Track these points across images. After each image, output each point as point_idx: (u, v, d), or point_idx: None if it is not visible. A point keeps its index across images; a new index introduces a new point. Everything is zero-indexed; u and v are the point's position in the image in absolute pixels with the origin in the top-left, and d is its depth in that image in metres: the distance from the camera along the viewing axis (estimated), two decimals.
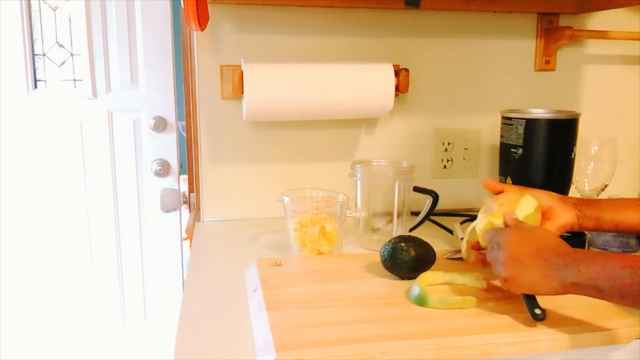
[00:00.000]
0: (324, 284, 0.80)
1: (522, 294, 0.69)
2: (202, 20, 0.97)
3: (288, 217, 0.95)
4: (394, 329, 0.66)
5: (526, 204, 0.79)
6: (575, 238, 0.95)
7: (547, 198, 0.83)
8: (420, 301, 0.72)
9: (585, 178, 1.07)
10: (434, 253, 0.84)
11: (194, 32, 1.11)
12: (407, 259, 0.81)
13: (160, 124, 1.74)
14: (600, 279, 0.60)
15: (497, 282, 0.80)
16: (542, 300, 0.68)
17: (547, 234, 0.71)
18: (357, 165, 1.01)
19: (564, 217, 0.81)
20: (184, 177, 1.71)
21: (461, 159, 1.27)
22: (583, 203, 0.83)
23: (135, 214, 1.79)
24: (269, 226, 1.13)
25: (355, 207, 1.01)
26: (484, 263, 0.79)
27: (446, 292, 0.77)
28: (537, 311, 0.67)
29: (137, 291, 1.85)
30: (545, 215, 0.82)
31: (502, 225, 0.77)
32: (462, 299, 0.72)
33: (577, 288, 0.63)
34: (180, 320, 0.72)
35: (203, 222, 1.18)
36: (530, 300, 0.68)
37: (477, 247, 0.83)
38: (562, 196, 0.85)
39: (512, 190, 0.84)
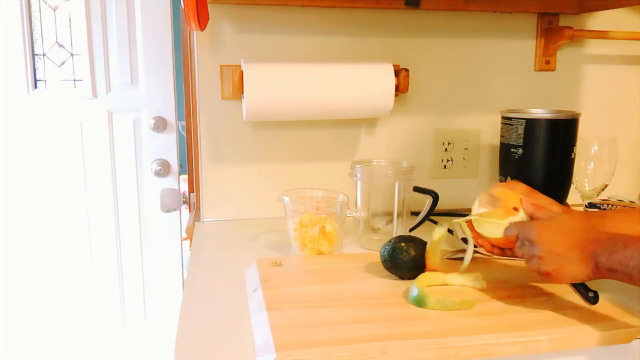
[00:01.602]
0: (324, 284, 0.80)
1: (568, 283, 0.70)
2: (202, 20, 0.97)
3: (288, 217, 0.94)
4: (394, 329, 0.66)
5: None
6: None
7: (552, 207, 0.79)
8: (419, 302, 0.72)
9: (585, 178, 1.07)
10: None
11: (194, 32, 1.11)
12: (407, 259, 0.81)
13: (160, 124, 1.74)
14: (631, 265, 0.61)
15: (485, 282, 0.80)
16: (534, 303, 0.68)
17: (573, 221, 0.72)
18: (357, 165, 1.01)
19: None
20: (184, 177, 1.71)
21: (461, 159, 1.27)
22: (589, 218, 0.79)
23: (135, 214, 1.79)
24: (269, 226, 1.13)
25: (355, 207, 1.01)
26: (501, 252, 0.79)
27: (445, 292, 0.77)
28: (591, 294, 0.70)
29: (137, 291, 1.85)
30: None
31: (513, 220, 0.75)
32: (461, 300, 0.72)
33: (610, 273, 0.64)
34: (180, 320, 0.72)
35: (203, 222, 1.18)
36: (579, 286, 0.70)
37: (490, 248, 0.81)
38: (569, 210, 0.80)
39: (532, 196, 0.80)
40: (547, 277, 0.68)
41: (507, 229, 0.75)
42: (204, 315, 0.73)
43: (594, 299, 0.70)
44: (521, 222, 0.74)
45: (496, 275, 0.83)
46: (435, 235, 0.81)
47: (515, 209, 0.76)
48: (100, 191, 1.76)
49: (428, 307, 0.71)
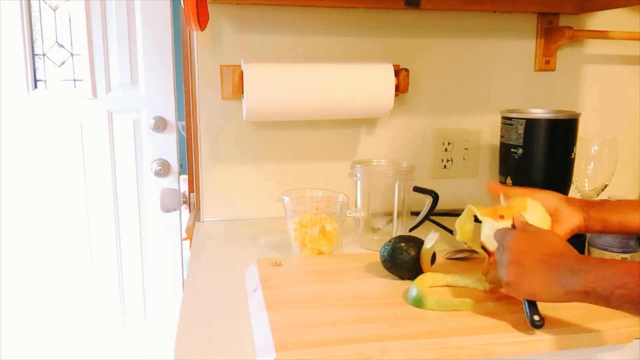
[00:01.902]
0: (324, 284, 0.80)
1: (524, 299, 0.67)
2: (202, 20, 0.97)
3: (288, 217, 0.95)
4: (393, 329, 0.66)
5: (533, 210, 0.77)
6: (574, 238, 0.94)
7: (554, 199, 0.80)
8: (418, 303, 0.72)
9: (585, 178, 1.07)
10: (434, 253, 0.84)
11: (194, 32, 1.11)
12: (407, 259, 0.81)
13: (160, 124, 1.74)
14: (608, 289, 0.58)
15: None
16: (544, 304, 0.67)
17: (554, 238, 0.69)
18: (357, 165, 1.01)
19: (572, 220, 0.79)
20: (184, 177, 1.71)
21: (461, 159, 1.27)
22: (589, 205, 0.80)
23: (135, 214, 1.79)
24: (269, 226, 1.13)
25: (355, 207, 1.01)
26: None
27: (446, 293, 0.77)
28: (536, 318, 0.65)
29: (137, 291, 1.85)
30: (551, 217, 0.79)
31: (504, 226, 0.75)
32: (459, 301, 0.72)
33: (584, 297, 0.60)
34: (180, 320, 0.72)
35: (203, 222, 1.18)
36: (530, 306, 0.67)
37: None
38: (568, 198, 0.82)
39: (516, 195, 0.81)
40: (507, 287, 0.67)
41: (495, 233, 0.74)
42: (204, 315, 0.73)
43: (538, 323, 0.65)
44: (506, 228, 0.73)
45: (496, 275, 0.83)
46: (428, 243, 0.81)
47: (501, 217, 0.75)
48: (100, 191, 1.76)
49: (427, 308, 0.71)
